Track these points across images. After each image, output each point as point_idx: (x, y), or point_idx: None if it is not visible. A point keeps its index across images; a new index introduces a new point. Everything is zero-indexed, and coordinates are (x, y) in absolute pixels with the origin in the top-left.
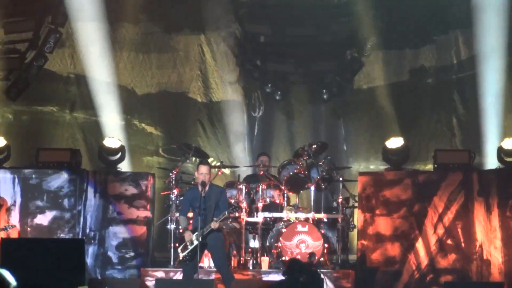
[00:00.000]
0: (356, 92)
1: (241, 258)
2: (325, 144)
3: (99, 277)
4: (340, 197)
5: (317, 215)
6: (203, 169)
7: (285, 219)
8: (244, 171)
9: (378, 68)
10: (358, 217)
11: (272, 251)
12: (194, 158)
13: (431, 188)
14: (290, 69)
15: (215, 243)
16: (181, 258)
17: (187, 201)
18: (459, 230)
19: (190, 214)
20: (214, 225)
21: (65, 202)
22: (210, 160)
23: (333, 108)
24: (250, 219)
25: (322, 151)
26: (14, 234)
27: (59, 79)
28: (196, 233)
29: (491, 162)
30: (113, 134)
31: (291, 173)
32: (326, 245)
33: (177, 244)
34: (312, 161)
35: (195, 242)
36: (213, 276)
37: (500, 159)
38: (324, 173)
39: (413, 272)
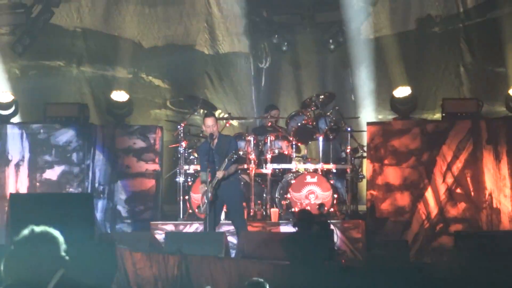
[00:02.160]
0: (363, 41)
1: (251, 210)
2: (332, 94)
3: (108, 231)
4: (349, 147)
5: (326, 166)
6: (209, 121)
7: (294, 170)
8: (252, 122)
9: (384, 18)
10: (366, 167)
11: (282, 202)
12: (202, 110)
13: (439, 137)
14: (296, 19)
15: (228, 193)
16: (202, 213)
17: (203, 155)
18: (468, 179)
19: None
20: (219, 174)
21: (74, 156)
22: (217, 112)
23: (340, 58)
24: (259, 171)
25: (330, 102)
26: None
27: (65, 34)
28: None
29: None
30: (120, 88)
31: (299, 124)
32: (335, 196)
33: (186, 197)
34: (320, 112)
35: (208, 195)
36: (222, 229)
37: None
38: (332, 124)
39: (423, 222)
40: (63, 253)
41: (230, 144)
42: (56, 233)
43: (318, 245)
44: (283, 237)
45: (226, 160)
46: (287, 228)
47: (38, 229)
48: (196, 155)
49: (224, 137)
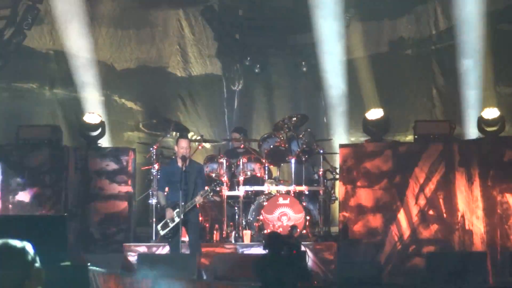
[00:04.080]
0: (335, 64)
1: (223, 232)
2: (304, 116)
3: (82, 253)
4: (321, 169)
5: (298, 188)
6: (183, 143)
7: (266, 192)
8: (224, 144)
9: (357, 40)
10: (339, 189)
11: (254, 224)
12: (174, 133)
13: (412, 159)
14: (269, 42)
15: (192, 218)
16: (161, 235)
17: (165, 175)
18: (440, 200)
19: (166, 189)
20: (199, 199)
21: (47, 178)
22: (190, 134)
23: (313, 80)
24: (231, 193)
25: (302, 124)
26: None
27: (38, 56)
28: (177, 210)
29: (472, 132)
30: (93, 110)
31: (271, 146)
32: (307, 218)
33: (153, 220)
34: (292, 134)
35: (177, 219)
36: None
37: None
38: (305, 146)
39: (396, 243)
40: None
41: (199, 173)
42: (19, 243)
43: (290, 267)
44: (254, 259)
45: (209, 189)
46: (259, 250)
47: None
48: None
49: (194, 163)
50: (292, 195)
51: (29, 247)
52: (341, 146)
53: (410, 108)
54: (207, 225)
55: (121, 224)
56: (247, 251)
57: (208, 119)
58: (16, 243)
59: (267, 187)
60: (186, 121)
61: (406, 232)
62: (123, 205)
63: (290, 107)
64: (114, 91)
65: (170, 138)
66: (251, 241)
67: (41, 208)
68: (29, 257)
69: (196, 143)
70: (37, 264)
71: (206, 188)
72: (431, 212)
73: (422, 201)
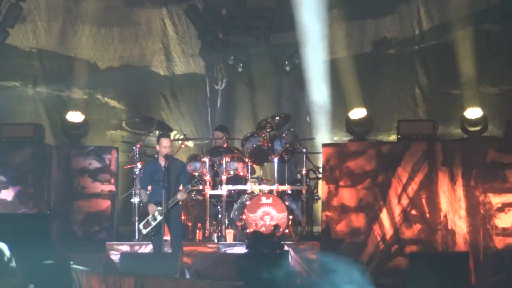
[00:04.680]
0: (318, 63)
1: (206, 231)
2: (287, 116)
3: (64, 252)
4: (304, 168)
5: (281, 187)
6: (165, 142)
7: (249, 191)
8: (207, 143)
9: (340, 40)
10: (322, 189)
11: (237, 223)
12: (157, 132)
13: (394, 158)
14: (252, 41)
15: (174, 216)
16: (144, 233)
17: (148, 174)
18: (423, 200)
19: (149, 188)
20: (181, 196)
21: (29, 177)
22: (173, 133)
23: (296, 80)
24: (214, 192)
25: (285, 123)
26: None
27: (21, 54)
28: (159, 208)
29: (455, 132)
30: (76, 109)
31: (254, 145)
32: (290, 217)
33: (136, 219)
34: (275, 133)
35: (159, 218)
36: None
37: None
38: (288, 145)
39: (378, 243)
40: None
41: (183, 170)
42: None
43: (273, 266)
44: (236, 258)
45: (189, 186)
46: (242, 249)
47: None
48: None
49: (176, 161)
50: (275, 194)
51: (5, 248)
52: (324, 145)
53: (393, 107)
54: (189, 224)
55: (103, 222)
56: (230, 250)
57: (191, 118)
58: None
59: (250, 186)
60: (169, 119)
61: (389, 232)
62: (106, 203)
63: (273, 106)
64: (97, 89)
65: (153, 136)
66: (233, 240)
67: (24, 207)
68: (5, 258)
69: (179, 142)
70: (13, 264)
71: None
72: (413, 212)
73: (404, 201)
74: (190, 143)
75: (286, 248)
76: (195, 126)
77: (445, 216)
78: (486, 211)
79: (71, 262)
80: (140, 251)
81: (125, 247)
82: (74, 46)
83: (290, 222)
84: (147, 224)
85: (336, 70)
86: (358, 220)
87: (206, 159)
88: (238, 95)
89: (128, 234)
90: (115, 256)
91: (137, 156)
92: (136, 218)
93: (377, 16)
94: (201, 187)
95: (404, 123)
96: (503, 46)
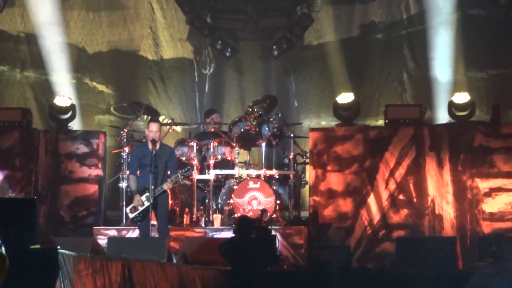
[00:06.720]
0: (306, 48)
1: (193, 216)
2: (274, 98)
3: (51, 236)
4: (292, 153)
5: (269, 172)
6: (154, 126)
7: (237, 176)
8: (195, 128)
9: (328, 24)
10: (309, 173)
11: (224, 208)
12: (145, 116)
13: (382, 143)
14: (240, 25)
15: (161, 201)
16: (130, 218)
17: (136, 158)
18: (411, 185)
19: (138, 172)
20: (168, 186)
21: (16, 161)
22: (161, 117)
23: (284, 65)
24: (202, 177)
25: (273, 107)
26: None
27: (9, 38)
28: (147, 194)
29: (442, 117)
30: (64, 93)
31: (242, 130)
32: (278, 202)
33: (123, 203)
34: (263, 118)
35: (146, 203)
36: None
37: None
38: (275, 130)
39: (366, 228)
40: None
41: (171, 156)
42: None
43: (260, 251)
44: (223, 243)
45: (179, 175)
46: (230, 234)
47: None
48: None
49: (165, 147)
50: (263, 179)
51: None
52: (312, 130)
53: (381, 92)
54: (177, 208)
55: (91, 207)
56: (217, 235)
57: (179, 103)
58: None
59: (237, 171)
60: (157, 104)
61: (376, 217)
62: (93, 188)
63: (261, 91)
64: (85, 74)
65: (141, 121)
66: (221, 225)
67: (11, 191)
68: None
69: (167, 127)
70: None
71: (179, 172)
72: (401, 196)
73: (392, 186)
74: (178, 128)
75: (273, 233)
76: (183, 111)
77: (433, 201)
78: (473, 196)
79: (58, 247)
80: (127, 235)
81: (112, 232)
82: (62, 31)
83: (277, 207)
84: (134, 209)
85: (324, 55)
86: (346, 205)
87: (193, 144)
88: (226, 79)
89: (115, 218)
90: (102, 241)
91: (124, 140)
92: (124, 203)
93: (365, 1)
94: (188, 173)
95: (392, 107)
96: (491, 31)
